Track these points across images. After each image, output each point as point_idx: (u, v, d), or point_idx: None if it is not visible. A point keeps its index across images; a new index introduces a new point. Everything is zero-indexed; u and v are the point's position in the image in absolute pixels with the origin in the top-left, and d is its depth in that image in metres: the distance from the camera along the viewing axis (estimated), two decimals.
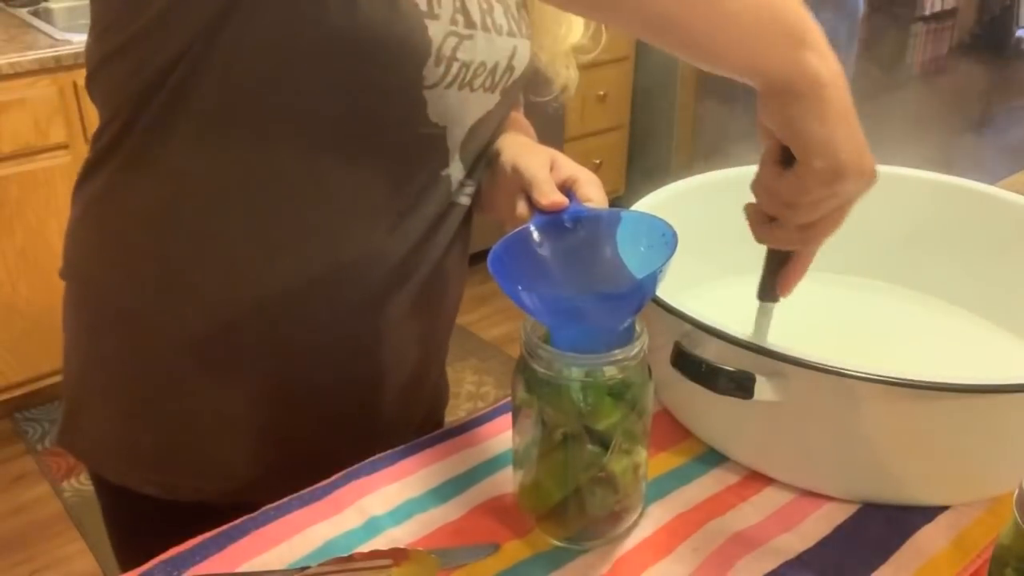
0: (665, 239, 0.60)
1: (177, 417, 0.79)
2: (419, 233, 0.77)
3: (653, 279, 0.58)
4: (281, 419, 0.80)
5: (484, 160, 0.81)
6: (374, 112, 0.70)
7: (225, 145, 0.70)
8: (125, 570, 0.66)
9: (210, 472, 0.81)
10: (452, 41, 0.70)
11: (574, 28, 0.83)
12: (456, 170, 0.78)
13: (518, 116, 0.91)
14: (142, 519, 0.83)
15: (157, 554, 0.66)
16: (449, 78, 0.72)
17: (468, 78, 0.73)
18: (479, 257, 0.95)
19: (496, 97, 0.78)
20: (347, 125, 0.70)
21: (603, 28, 0.83)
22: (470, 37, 0.72)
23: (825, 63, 0.55)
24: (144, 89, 0.69)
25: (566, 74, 0.86)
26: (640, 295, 0.59)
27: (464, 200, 0.81)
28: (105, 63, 0.72)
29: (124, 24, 0.69)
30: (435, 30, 0.69)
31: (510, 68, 0.77)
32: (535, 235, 0.66)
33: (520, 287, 0.57)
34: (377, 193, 0.74)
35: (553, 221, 0.67)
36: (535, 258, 0.64)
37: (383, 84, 0.69)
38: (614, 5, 0.56)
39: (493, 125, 0.80)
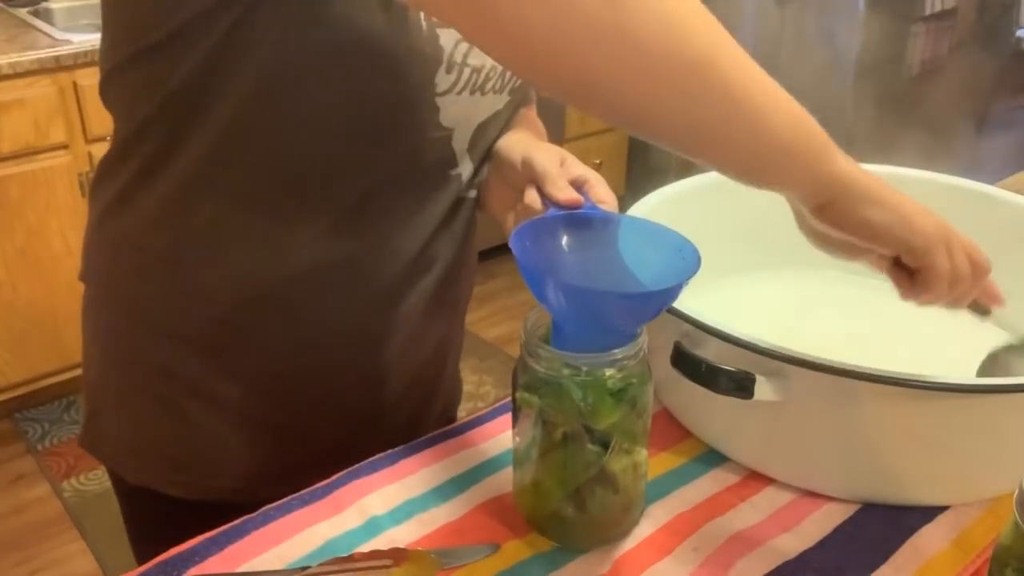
0: (683, 254, 0.60)
1: (189, 415, 0.80)
2: (430, 230, 0.78)
3: (678, 288, 0.57)
4: (293, 416, 0.81)
5: (489, 154, 0.81)
6: (386, 120, 0.71)
7: (239, 153, 0.70)
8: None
9: (224, 469, 0.82)
10: (463, 48, 0.70)
11: None
12: (466, 169, 0.78)
13: (530, 114, 0.90)
14: (160, 519, 0.84)
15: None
16: (460, 84, 0.71)
17: (479, 82, 0.73)
18: (479, 256, 0.95)
19: (505, 97, 0.78)
20: (358, 132, 0.70)
21: None
22: None
23: (846, 158, 0.58)
24: (161, 100, 0.69)
25: None
26: (662, 302, 0.59)
27: (472, 195, 0.81)
28: (119, 70, 0.72)
29: (137, 36, 0.68)
30: (447, 38, 0.69)
31: None
32: (555, 227, 0.65)
33: (547, 278, 0.57)
34: (387, 195, 0.74)
35: (568, 218, 0.66)
36: (552, 250, 0.64)
37: (396, 94, 0.69)
38: (653, 120, 0.55)
39: (501, 123, 0.80)
